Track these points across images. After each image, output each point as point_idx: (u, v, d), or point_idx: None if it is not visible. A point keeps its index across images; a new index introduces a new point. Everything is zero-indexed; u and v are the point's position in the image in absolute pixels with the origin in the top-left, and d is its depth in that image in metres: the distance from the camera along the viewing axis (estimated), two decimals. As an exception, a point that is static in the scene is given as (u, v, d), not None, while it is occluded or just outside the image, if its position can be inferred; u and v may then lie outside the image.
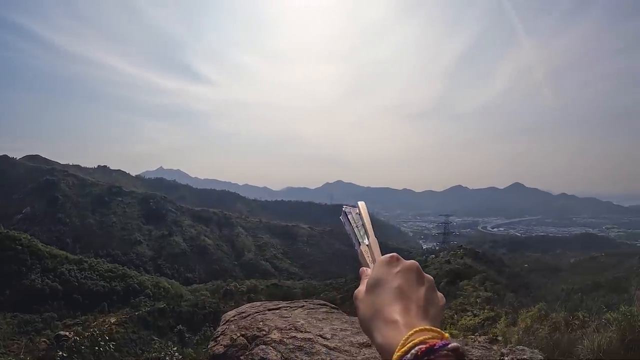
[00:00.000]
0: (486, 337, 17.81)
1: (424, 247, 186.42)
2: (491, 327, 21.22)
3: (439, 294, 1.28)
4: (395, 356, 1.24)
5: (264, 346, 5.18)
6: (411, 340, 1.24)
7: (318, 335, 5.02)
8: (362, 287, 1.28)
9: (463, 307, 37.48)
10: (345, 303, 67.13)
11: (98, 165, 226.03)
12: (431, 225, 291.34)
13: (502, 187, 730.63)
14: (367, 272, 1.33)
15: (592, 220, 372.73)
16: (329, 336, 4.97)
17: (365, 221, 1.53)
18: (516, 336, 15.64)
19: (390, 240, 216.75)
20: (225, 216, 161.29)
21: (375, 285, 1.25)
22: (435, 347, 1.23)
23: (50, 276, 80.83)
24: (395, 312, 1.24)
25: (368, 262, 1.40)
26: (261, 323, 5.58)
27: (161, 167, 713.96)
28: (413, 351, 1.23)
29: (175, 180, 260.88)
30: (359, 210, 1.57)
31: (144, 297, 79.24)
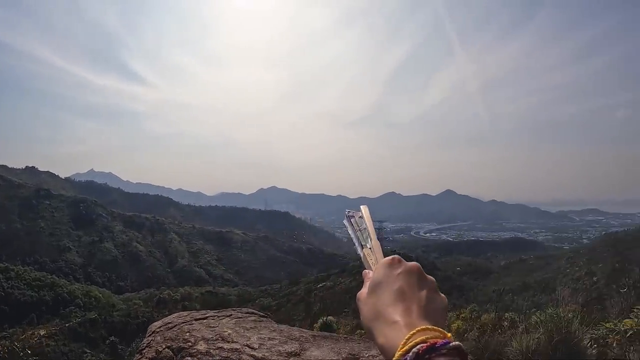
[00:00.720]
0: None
1: (358, 253, 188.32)
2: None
3: (442, 295, 1.28)
4: (396, 355, 1.26)
5: (189, 358, 5.04)
6: (412, 340, 1.26)
7: (245, 345, 4.87)
8: (364, 289, 1.28)
9: None
10: (281, 309, 67.61)
11: (26, 166, 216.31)
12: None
13: (434, 194, 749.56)
14: (370, 274, 1.31)
15: (520, 225, 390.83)
16: (256, 346, 4.84)
17: (368, 225, 1.52)
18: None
19: (325, 246, 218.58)
20: (158, 222, 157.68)
21: (377, 287, 1.27)
22: (437, 345, 1.25)
23: (-27, 286, 77.05)
24: (396, 312, 1.26)
25: (371, 264, 1.38)
26: (188, 334, 5.36)
27: (92, 169, 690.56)
28: (414, 350, 1.25)
29: (107, 184, 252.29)
30: (362, 214, 1.57)
31: (74, 307, 76.35)
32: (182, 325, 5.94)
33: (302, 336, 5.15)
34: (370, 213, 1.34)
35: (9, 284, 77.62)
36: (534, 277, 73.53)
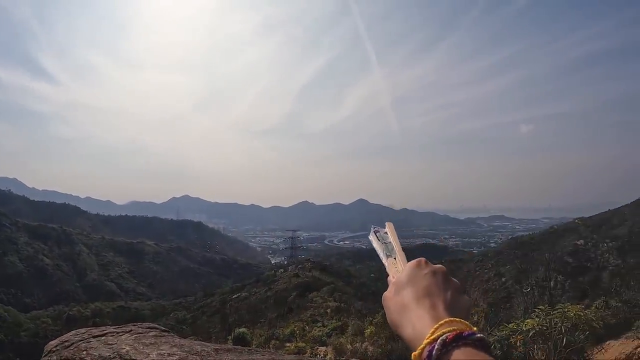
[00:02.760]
0: (330, 347, 19.47)
1: (272, 262, 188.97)
2: (339, 336, 23.04)
3: (466, 297, 1.36)
4: (423, 343, 1.34)
5: (85, 378, 5.19)
6: (440, 330, 1.34)
7: (143, 363, 4.92)
8: (390, 289, 1.37)
9: (314, 318, 39.04)
10: (196, 322, 67.30)
11: None
12: (279, 240, 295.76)
13: (347, 203, 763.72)
14: (394, 279, 1.41)
15: (431, 231, 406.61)
16: (154, 363, 4.87)
17: (392, 238, 1.68)
18: (364, 344, 17.45)
19: (238, 255, 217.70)
20: (66, 232, 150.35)
21: (404, 285, 1.36)
22: (463, 334, 1.33)
23: None
24: (423, 307, 1.35)
25: (394, 271, 1.50)
26: (84, 352, 5.35)
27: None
28: (442, 338, 1.34)
29: (11, 191, 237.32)
30: (387, 230, 1.74)
31: (-23, 327, 72.65)
32: (79, 343, 6.01)
33: (204, 350, 5.49)
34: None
35: None
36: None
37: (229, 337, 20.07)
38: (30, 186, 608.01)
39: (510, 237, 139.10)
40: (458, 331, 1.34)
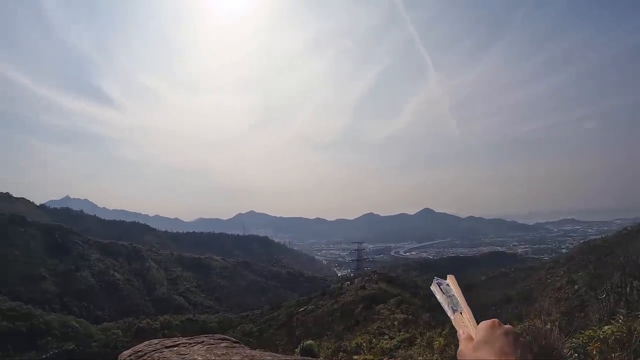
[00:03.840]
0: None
1: (339, 275, 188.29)
2: (407, 348, 21.67)
3: (535, 352, 1.60)
4: None
5: (158, 388, 4.89)
6: None
7: (216, 373, 4.40)
8: (466, 346, 1.62)
9: (380, 330, 37.73)
10: (263, 335, 66.64)
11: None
12: (345, 253, 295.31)
13: (412, 213, 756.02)
14: (464, 335, 1.65)
15: (499, 239, 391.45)
16: (227, 373, 4.34)
17: (455, 292, 1.83)
18: (433, 357, 16.14)
19: (305, 269, 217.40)
20: (135, 249, 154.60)
21: (480, 345, 1.58)
22: None
23: (-54, 315, 74.39)
24: None
25: (463, 326, 1.70)
26: None
27: (67, 196, 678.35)
28: None
29: (83, 211, 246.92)
30: (449, 282, 1.89)
31: (51, 338, 74.31)
32: (152, 353, 6.24)
33: (275, 361, 4.98)
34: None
35: (-18, 314, 75.34)
36: (515, 289, 73.63)
37: (296, 350, 19.45)
38: (101, 206, 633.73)
39: (582, 241, 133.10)
40: None
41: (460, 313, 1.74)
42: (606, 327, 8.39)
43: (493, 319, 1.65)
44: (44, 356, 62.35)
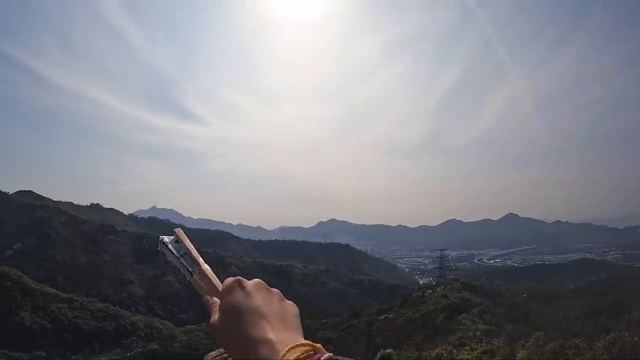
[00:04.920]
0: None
1: (420, 283, 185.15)
2: None
3: (289, 302, 1.31)
4: None
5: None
6: (287, 356, 1.31)
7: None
8: (216, 316, 1.31)
9: (462, 341, 36.63)
10: (342, 342, 66.15)
11: (91, 203, 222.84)
12: (427, 261, 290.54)
13: (496, 219, 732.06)
14: (214, 300, 1.38)
15: (588, 245, 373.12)
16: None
17: (189, 249, 1.55)
18: None
19: (386, 277, 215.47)
20: (219, 256, 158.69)
21: (232, 311, 1.31)
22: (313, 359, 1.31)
23: (40, 314, 78.41)
24: (264, 331, 1.31)
25: (207, 289, 1.44)
26: None
27: (154, 206, 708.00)
28: None
29: (169, 220, 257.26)
30: (178, 237, 1.59)
31: (136, 337, 77.14)
32: None
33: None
34: (188, 235, 1.58)
35: (73, 313, 78.96)
36: (604, 300, 69.55)
37: (375, 358, 19.01)
38: (186, 216, 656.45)
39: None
40: (304, 356, 1.32)
41: (199, 274, 1.48)
42: None
43: (235, 277, 1.34)
44: (128, 354, 64.59)
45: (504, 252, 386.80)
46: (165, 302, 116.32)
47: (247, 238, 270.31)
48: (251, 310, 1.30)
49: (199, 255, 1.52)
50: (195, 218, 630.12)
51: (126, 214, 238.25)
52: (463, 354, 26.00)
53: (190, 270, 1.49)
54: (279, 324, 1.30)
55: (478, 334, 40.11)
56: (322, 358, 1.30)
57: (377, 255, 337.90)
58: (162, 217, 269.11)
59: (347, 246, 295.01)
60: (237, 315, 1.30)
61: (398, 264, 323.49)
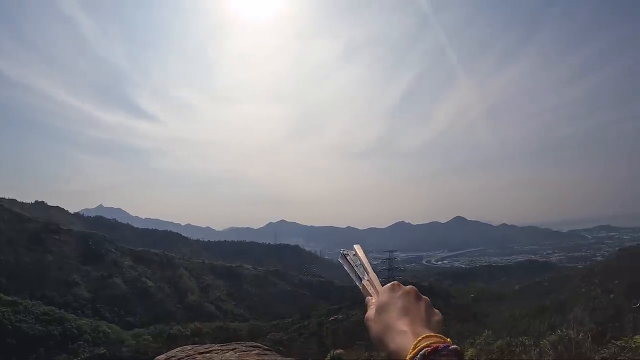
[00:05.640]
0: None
1: (357, 285, 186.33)
2: None
3: (436, 310, 1.65)
4: (407, 358, 1.62)
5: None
6: (419, 345, 1.62)
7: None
8: (370, 311, 1.65)
9: None
10: (293, 343, 66.08)
11: (35, 201, 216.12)
12: (376, 262, 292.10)
13: (444, 221, 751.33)
14: (372, 300, 1.67)
15: (533, 247, 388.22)
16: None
17: (363, 260, 1.81)
18: None
19: (336, 278, 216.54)
20: (168, 257, 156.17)
21: (383, 307, 1.63)
22: (439, 348, 1.62)
23: (-20, 318, 75.47)
24: (403, 324, 1.63)
25: (371, 293, 1.69)
26: None
27: (101, 205, 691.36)
28: (421, 353, 1.62)
29: (116, 219, 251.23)
30: (356, 251, 1.85)
31: (82, 342, 74.92)
32: (185, 359, 6.32)
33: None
34: (364, 250, 1.88)
35: (17, 317, 76.16)
36: (549, 300, 72.00)
37: (326, 359, 19.14)
38: (134, 215, 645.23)
39: (617, 248, 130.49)
40: (434, 346, 1.63)
41: (368, 281, 1.71)
42: (637, 337, 8.55)
43: (393, 282, 1.66)
44: (75, 360, 62.75)
45: (451, 254, 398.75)
46: (112, 305, 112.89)
47: (196, 239, 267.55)
48: (397, 307, 1.61)
49: (369, 265, 1.76)
50: (143, 218, 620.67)
51: (72, 213, 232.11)
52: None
53: (361, 277, 1.75)
54: (420, 322, 1.62)
55: None
56: (450, 347, 1.61)
57: (326, 257, 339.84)
58: (108, 216, 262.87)
59: (296, 247, 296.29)
60: (386, 310, 1.62)
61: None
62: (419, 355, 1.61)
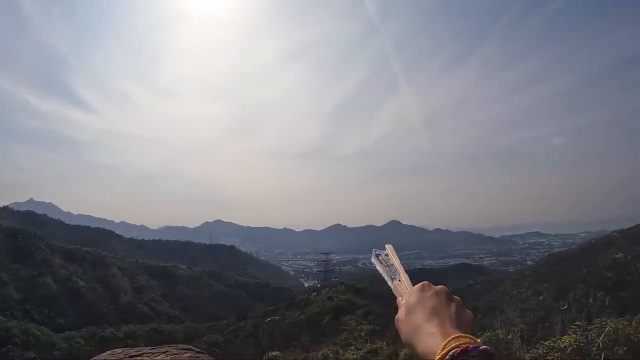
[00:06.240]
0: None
1: (305, 286, 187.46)
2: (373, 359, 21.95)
3: (467, 311, 1.64)
4: (436, 358, 1.59)
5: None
6: (448, 345, 1.60)
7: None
8: (400, 313, 1.65)
9: (347, 341, 38.04)
10: (229, 345, 66.22)
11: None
12: (312, 264, 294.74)
13: (380, 225, 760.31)
14: (403, 300, 1.68)
15: (466, 251, 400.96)
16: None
17: (394, 260, 1.85)
18: None
19: (272, 279, 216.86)
20: (100, 256, 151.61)
21: (413, 308, 1.60)
22: (469, 349, 1.60)
23: None
24: (433, 325, 1.60)
25: (402, 292, 1.71)
26: None
27: (32, 199, 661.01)
28: (450, 353, 1.60)
29: (47, 215, 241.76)
30: (387, 252, 1.89)
31: (11, 346, 72.38)
32: None
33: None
34: (396, 250, 1.92)
35: (-60, 320, 73.04)
36: (481, 301, 74.87)
37: None
38: (66, 210, 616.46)
39: (547, 253, 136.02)
40: (464, 346, 1.60)
41: (399, 280, 1.76)
42: (565, 337, 8.78)
43: (423, 282, 1.68)
44: (4, 365, 60.79)
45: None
46: (42, 306, 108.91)
47: (129, 237, 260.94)
48: (427, 308, 1.58)
49: (400, 266, 1.80)
50: (76, 214, 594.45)
51: (0, 207, 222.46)
52: (348, 354, 27.05)
53: (392, 277, 1.78)
54: (449, 323, 1.59)
55: (363, 334, 41.89)
56: (480, 347, 1.58)
57: (262, 258, 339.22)
58: (39, 211, 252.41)
59: (232, 247, 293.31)
60: (415, 311, 1.59)
61: (283, 267, 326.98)
62: (447, 356, 1.60)
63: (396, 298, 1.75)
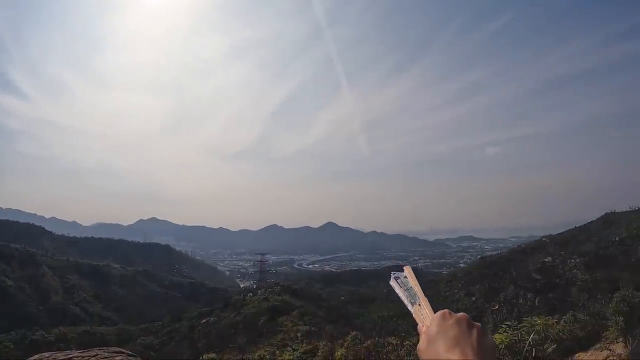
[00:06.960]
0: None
1: (241, 286, 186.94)
2: None
3: (489, 337, 1.62)
4: None
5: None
6: None
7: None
8: (422, 342, 1.64)
9: (284, 342, 38.94)
10: (164, 348, 66.14)
11: None
12: (248, 264, 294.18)
13: (316, 227, 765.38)
14: (424, 328, 1.66)
15: (401, 253, 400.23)
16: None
17: (413, 284, 1.81)
18: None
19: (207, 279, 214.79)
20: (29, 253, 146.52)
21: (435, 338, 1.61)
22: None
23: None
24: (454, 355, 1.61)
25: (422, 319, 1.69)
26: None
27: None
28: None
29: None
30: (406, 274, 1.86)
31: (-64, 351, 69.98)
32: None
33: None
34: (415, 273, 1.88)
35: None
36: (417, 301, 77.22)
37: None
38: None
39: (479, 257, 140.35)
40: None
41: (419, 305, 1.74)
42: (496, 335, 9.88)
43: (444, 310, 1.69)
44: None
45: (322, 258, 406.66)
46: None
47: (60, 234, 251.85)
48: (449, 337, 1.61)
49: (420, 289, 1.78)
50: (4, 208, 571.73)
51: None
52: (285, 354, 27.86)
53: (412, 301, 1.75)
54: (471, 351, 1.61)
55: (299, 334, 42.54)
56: None
57: (197, 257, 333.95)
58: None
59: (167, 246, 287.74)
60: (437, 341, 1.61)
61: (219, 267, 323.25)
62: None
63: (417, 324, 1.72)
